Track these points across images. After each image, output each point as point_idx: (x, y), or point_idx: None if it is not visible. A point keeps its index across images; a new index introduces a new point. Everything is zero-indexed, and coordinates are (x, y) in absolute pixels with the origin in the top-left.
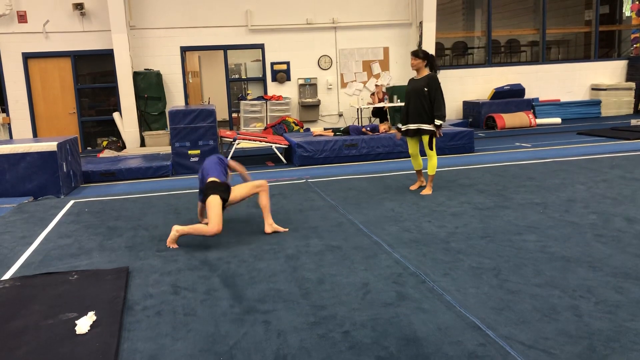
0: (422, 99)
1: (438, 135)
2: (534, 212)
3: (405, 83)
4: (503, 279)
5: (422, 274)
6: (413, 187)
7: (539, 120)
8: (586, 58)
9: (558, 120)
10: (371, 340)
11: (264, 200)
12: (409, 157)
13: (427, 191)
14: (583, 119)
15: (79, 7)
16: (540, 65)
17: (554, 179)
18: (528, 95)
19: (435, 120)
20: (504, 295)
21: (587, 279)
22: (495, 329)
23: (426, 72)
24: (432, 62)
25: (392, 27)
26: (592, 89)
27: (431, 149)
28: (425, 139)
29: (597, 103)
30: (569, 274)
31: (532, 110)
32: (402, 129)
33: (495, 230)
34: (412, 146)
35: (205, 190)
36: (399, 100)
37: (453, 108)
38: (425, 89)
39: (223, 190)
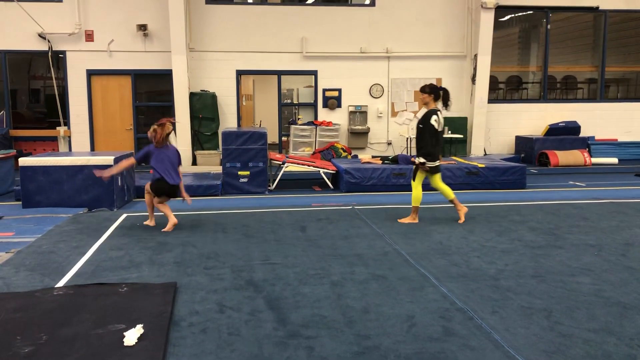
0: (418, 134)
1: (415, 166)
2: (589, 253)
3: (458, 114)
4: (554, 321)
5: (469, 310)
6: (460, 221)
7: (595, 160)
8: None
9: (615, 160)
10: None
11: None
12: (458, 190)
13: (404, 219)
14: None
15: (142, 28)
16: (597, 103)
17: (609, 221)
18: (584, 133)
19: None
20: (555, 338)
21: None
22: None
23: (432, 106)
24: (441, 95)
25: (446, 58)
26: None
27: (412, 179)
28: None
29: None
30: (626, 321)
31: (587, 149)
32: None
33: (547, 270)
34: (430, 180)
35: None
36: (449, 132)
37: (505, 143)
38: (420, 125)
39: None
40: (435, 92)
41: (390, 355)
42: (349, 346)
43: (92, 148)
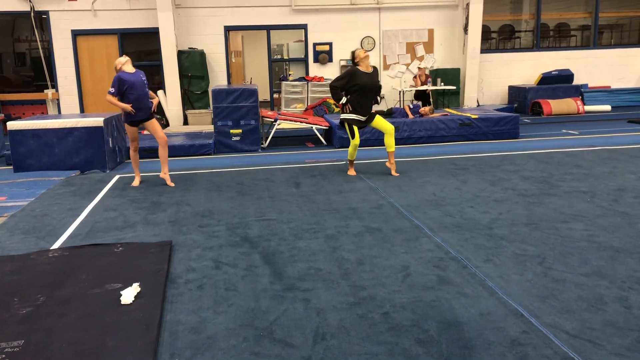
0: (374, 91)
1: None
2: (581, 200)
3: (450, 66)
4: (547, 267)
5: (463, 259)
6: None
7: (588, 107)
8: None
9: (608, 107)
10: (411, 322)
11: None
12: (451, 141)
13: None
14: (635, 106)
15: None
16: (590, 50)
17: (602, 168)
18: (577, 81)
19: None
20: (549, 284)
21: (637, 270)
22: (538, 317)
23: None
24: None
25: (438, 8)
26: None
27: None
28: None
29: None
30: (618, 265)
31: (580, 97)
32: (354, 120)
33: (540, 218)
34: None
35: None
36: (442, 84)
37: (498, 93)
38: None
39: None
40: None
41: (386, 305)
42: (345, 297)
43: (82, 110)
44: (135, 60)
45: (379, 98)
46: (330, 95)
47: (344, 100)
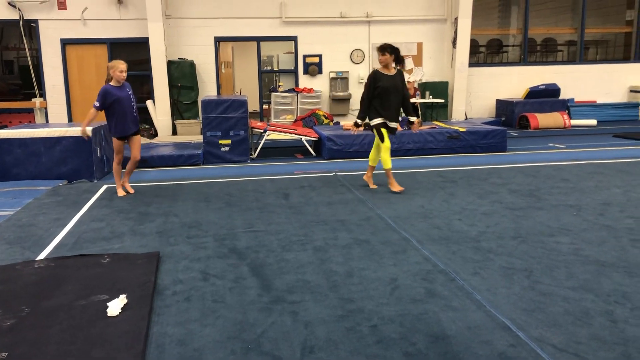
0: (400, 96)
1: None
2: (568, 214)
3: (439, 79)
4: (535, 281)
5: (451, 271)
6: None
7: (574, 122)
8: (626, 59)
9: (594, 122)
10: (399, 335)
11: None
12: (440, 154)
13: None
14: (620, 121)
15: None
16: (577, 65)
17: (588, 182)
18: (563, 95)
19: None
20: (535, 297)
21: (623, 284)
22: (526, 330)
23: (393, 67)
24: (398, 55)
25: (427, 22)
26: (631, 91)
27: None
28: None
29: (635, 105)
30: (603, 279)
31: (567, 111)
32: (380, 123)
33: (527, 231)
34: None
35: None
36: (431, 97)
37: (486, 106)
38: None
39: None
40: (396, 53)
41: (374, 318)
42: (333, 310)
43: (70, 119)
44: None
45: (409, 104)
46: (319, 106)
47: (361, 124)
